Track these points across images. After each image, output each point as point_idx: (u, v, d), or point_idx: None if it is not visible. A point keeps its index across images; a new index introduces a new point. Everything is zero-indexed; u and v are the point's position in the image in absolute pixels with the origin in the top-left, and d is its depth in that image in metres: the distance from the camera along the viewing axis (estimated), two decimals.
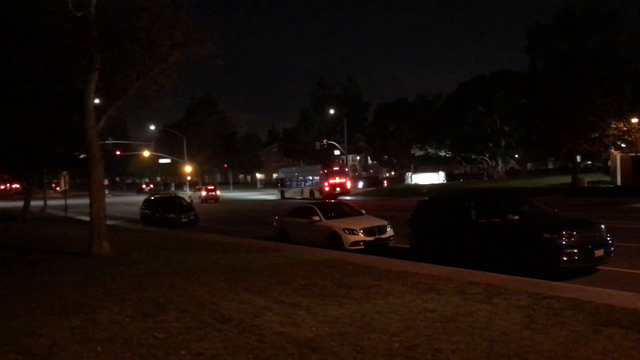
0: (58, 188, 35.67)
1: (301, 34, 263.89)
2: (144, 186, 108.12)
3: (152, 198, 33.24)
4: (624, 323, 7.07)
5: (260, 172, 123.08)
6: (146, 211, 31.32)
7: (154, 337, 7.16)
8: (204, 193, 61.04)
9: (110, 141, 69.06)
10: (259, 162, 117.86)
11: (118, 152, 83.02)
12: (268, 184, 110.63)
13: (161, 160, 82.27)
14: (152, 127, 78.74)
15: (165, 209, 29.46)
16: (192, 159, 79.95)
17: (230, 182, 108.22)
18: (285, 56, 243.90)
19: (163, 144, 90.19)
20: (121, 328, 7.69)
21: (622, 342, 6.34)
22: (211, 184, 74.14)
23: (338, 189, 53.06)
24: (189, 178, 75.50)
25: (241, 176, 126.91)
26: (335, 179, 53.86)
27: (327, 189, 52.82)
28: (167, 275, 11.94)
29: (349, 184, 55.75)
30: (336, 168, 56.74)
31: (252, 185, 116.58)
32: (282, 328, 7.39)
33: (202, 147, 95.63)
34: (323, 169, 55.96)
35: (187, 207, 30.78)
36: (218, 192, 62.32)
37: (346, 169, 58.28)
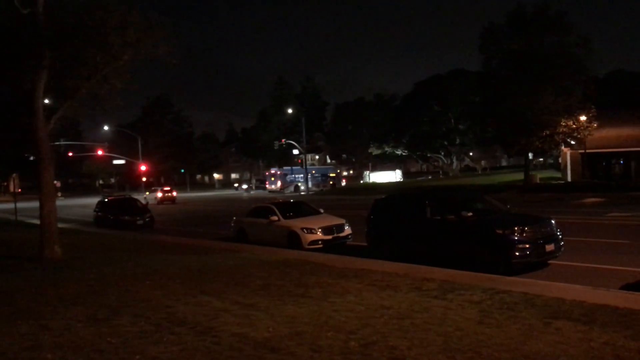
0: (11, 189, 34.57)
1: (260, 33, 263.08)
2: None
3: (106, 200, 32.53)
4: (573, 315, 7.28)
5: (218, 173, 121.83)
6: (100, 213, 30.65)
7: (107, 342, 7.01)
8: (160, 194, 60.12)
9: (62, 142, 67.25)
10: (217, 162, 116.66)
11: (71, 154, 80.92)
12: (227, 185, 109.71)
13: (115, 161, 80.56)
14: (106, 128, 76.76)
15: (120, 211, 28.91)
16: (147, 159, 78.54)
17: (188, 182, 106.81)
18: (244, 55, 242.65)
19: (118, 145, 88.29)
20: (73, 334, 7.50)
21: (571, 333, 6.52)
22: (167, 185, 73.03)
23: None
24: (144, 179, 74.10)
25: (199, 176, 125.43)
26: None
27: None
28: (122, 279, 11.71)
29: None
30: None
31: (210, 186, 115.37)
32: (239, 329, 7.33)
33: (158, 147, 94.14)
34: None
35: (142, 208, 30.26)
36: (174, 193, 61.46)
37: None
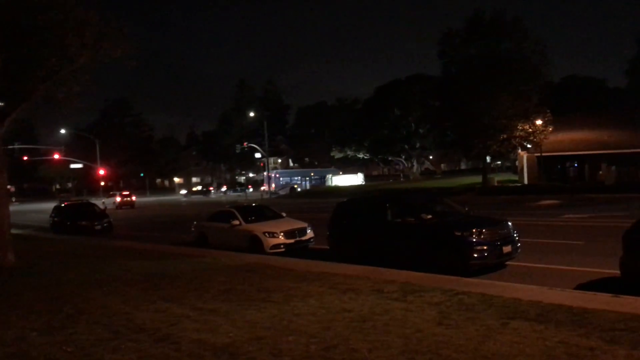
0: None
1: (221, 35, 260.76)
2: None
3: (63, 205, 31.81)
4: (530, 315, 7.43)
5: (178, 176, 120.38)
6: (56, 219, 29.96)
7: (62, 351, 6.84)
8: (118, 199, 59.17)
9: (16, 145, 65.49)
10: (177, 166, 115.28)
11: (26, 158, 78.76)
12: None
13: (73, 165, 78.74)
14: (63, 131, 74.90)
15: (77, 216, 28.35)
16: (106, 163, 77.09)
17: (147, 187, 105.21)
18: (205, 58, 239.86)
19: (75, 148, 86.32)
20: (27, 343, 7.29)
21: (528, 333, 6.65)
22: (126, 189, 71.84)
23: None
24: (102, 183, 72.68)
25: (158, 181, 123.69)
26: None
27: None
28: (78, 286, 11.45)
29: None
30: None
31: (170, 190, 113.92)
32: (199, 335, 7.25)
33: (117, 151, 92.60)
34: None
35: (100, 213, 29.74)
36: (134, 198, 60.57)
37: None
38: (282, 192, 70.25)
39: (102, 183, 72.68)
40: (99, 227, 27.76)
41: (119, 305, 9.33)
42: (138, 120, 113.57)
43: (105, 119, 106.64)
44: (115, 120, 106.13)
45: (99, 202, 46.71)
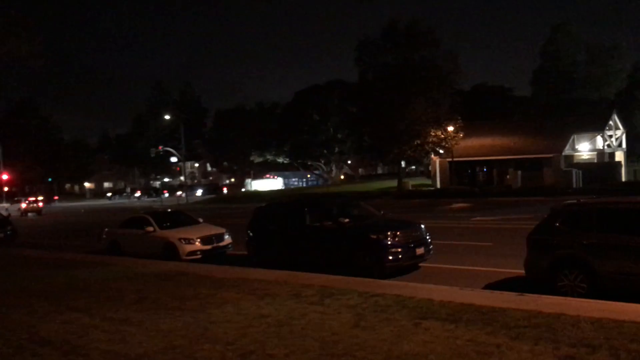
0: None
1: (136, 36, 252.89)
2: None
3: None
4: (441, 315, 7.69)
5: (89, 181, 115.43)
6: None
7: None
8: (24, 205, 55.99)
9: None
10: (88, 171, 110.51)
11: None
12: (99, 194, 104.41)
13: None
14: None
15: None
16: (9, 167, 72.79)
17: (56, 192, 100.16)
18: (119, 59, 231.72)
19: None
20: None
21: (439, 332, 6.88)
22: (33, 195, 68.24)
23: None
24: (6, 189, 68.57)
25: (68, 186, 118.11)
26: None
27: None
28: None
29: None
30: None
31: (80, 196, 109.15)
32: (110, 346, 6.98)
33: (22, 154, 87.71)
34: None
35: (2, 220, 27.94)
36: (41, 204, 57.51)
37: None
38: None
39: (6, 188, 68.55)
40: (1, 235, 26.09)
41: (23, 318, 8.83)
42: (46, 123, 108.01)
43: (8, 121, 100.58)
44: (20, 123, 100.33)
45: (1, 208, 44.08)
